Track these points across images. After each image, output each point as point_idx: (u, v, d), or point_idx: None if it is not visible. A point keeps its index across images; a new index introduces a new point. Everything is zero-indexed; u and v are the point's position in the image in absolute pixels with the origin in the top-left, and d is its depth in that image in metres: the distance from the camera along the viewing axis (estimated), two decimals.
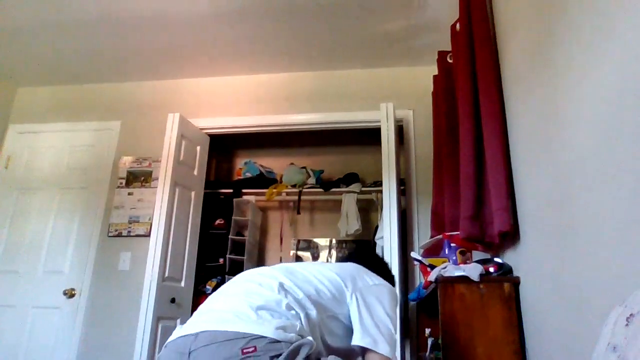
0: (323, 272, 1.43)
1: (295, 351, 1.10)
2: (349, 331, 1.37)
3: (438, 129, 2.86)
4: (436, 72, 2.95)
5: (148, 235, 3.24)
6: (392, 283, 1.64)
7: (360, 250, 1.65)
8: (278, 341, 1.10)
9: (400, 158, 3.32)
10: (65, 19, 3.06)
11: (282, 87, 3.68)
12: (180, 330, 1.21)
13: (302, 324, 1.22)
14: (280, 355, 1.07)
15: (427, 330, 2.52)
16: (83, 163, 3.68)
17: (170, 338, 1.22)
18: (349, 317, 1.38)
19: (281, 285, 1.28)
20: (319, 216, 4.54)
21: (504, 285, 1.84)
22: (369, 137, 3.51)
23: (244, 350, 1.06)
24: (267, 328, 1.12)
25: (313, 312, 1.28)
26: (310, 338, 1.17)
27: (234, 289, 1.33)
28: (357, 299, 1.38)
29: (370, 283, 1.45)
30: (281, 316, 1.19)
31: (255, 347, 1.07)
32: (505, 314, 1.80)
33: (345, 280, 1.41)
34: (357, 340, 1.33)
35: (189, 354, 1.11)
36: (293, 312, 1.23)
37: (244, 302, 1.21)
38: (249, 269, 4.02)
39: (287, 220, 4.53)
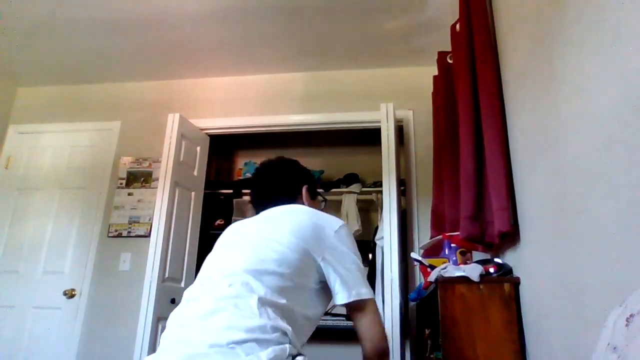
0: (283, 242, 1.28)
1: None
2: (322, 291, 1.32)
3: (438, 129, 2.86)
4: (436, 72, 2.95)
5: (148, 235, 3.25)
6: (312, 180, 1.63)
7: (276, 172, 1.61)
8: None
9: (400, 158, 3.32)
10: (66, 18, 3.06)
11: (282, 87, 3.68)
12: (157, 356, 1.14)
13: (289, 334, 1.16)
14: None
15: (427, 330, 2.52)
16: (83, 163, 3.68)
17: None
18: (318, 277, 1.30)
19: (260, 301, 1.16)
20: None
21: (504, 286, 1.84)
22: (369, 137, 3.51)
23: None
24: None
25: (293, 307, 1.21)
26: None
27: (202, 308, 1.19)
28: (329, 259, 1.30)
29: (332, 232, 1.34)
30: (269, 345, 1.10)
31: None
32: (505, 314, 1.80)
33: (311, 245, 1.29)
34: (343, 299, 1.27)
35: None
36: (278, 333, 1.13)
37: (222, 336, 1.10)
38: None
39: None
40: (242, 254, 1.30)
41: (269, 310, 1.16)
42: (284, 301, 1.20)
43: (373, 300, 1.34)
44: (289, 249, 1.28)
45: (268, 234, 1.34)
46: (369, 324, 1.29)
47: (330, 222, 1.38)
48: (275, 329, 1.13)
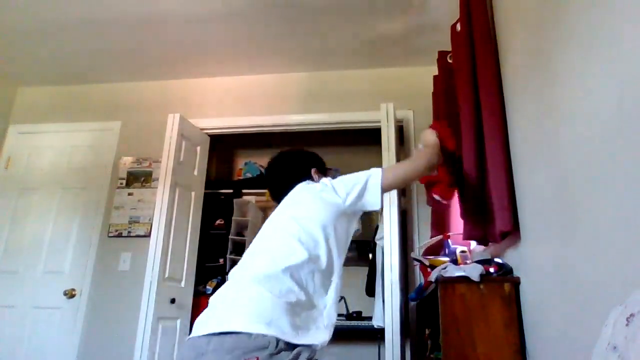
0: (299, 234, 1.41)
1: (295, 358, 1.17)
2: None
3: None
4: (436, 72, 2.95)
5: (148, 235, 3.24)
6: (318, 161, 1.80)
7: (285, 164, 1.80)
8: (280, 351, 1.16)
9: (401, 158, 3.32)
10: (66, 19, 3.06)
11: (282, 87, 3.68)
12: (197, 328, 1.27)
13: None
14: None
15: (427, 330, 2.52)
16: (83, 163, 3.69)
17: (192, 334, 1.27)
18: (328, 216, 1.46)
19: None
20: None
21: (504, 285, 1.83)
22: (369, 137, 3.52)
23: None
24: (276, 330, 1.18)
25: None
26: (306, 345, 1.22)
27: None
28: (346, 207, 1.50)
29: (331, 187, 1.51)
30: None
31: (257, 357, 1.14)
32: (505, 314, 1.80)
33: (325, 227, 1.44)
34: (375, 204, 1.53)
35: (202, 355, 1.19)
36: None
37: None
38: None
39: None
40: None
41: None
42: None
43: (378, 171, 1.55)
44: None
45: None
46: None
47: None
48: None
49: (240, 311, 1.23)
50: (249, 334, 1.16)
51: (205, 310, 1.31)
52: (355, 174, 1.54)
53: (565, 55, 1.40)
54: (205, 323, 1.25)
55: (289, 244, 1.37)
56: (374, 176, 1.52)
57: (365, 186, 1.50)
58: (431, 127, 1.91)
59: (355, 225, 1.63)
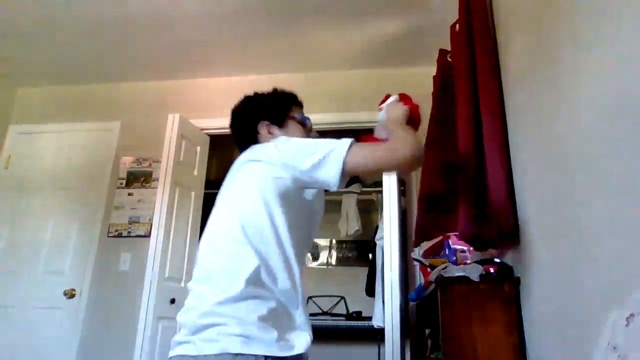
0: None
1: None
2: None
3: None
4: (436, 73, 2.94)
5: (148, 235, 3.24)
6: (270, 108, 1.48)
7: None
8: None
9: None
10: (66, 19, 3.06)
11: (282, 87, 3.67)
12: (175, 349, 1.20)
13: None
14: None
15: (427, 330, 2.52)
16: (83, 163, 3.68)
17: (173, 352, 1.20)
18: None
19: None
20: None
21: (504, 285, 1.84)
22: None
23: None
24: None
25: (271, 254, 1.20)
26: (295, 355, 1.14)
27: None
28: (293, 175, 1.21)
29: (276, 150, 1.23)
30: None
31: None
32: (505, 314, 1.80)
33: (269, 205, 1.21)
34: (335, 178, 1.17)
35: None
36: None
37: None
38: None
39: None
40: None
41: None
42: None
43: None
44: None
45: None
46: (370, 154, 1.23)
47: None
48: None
49: (212, 337, 1.12)
50: (233, 355, 1.06)
51: (179, 334, 1.23)
52: (317, 140, 1.23)
53: (564, 55, 1.40)
54: (183, 346, 1.17)
55: (238, 250, 1.20)
56: (338, 149, 1.17)
57: (324, 160, 1.16)
58: (400, 95, 1.50)
59: (318, 199, 1.35)
